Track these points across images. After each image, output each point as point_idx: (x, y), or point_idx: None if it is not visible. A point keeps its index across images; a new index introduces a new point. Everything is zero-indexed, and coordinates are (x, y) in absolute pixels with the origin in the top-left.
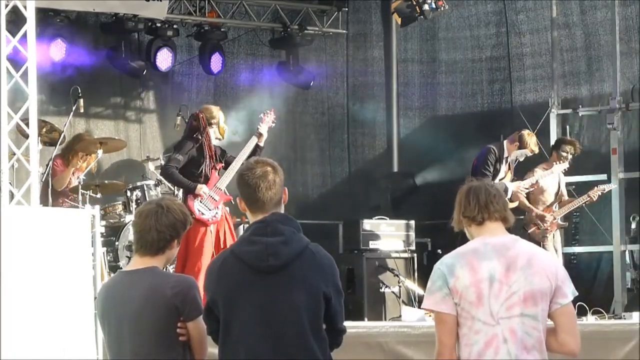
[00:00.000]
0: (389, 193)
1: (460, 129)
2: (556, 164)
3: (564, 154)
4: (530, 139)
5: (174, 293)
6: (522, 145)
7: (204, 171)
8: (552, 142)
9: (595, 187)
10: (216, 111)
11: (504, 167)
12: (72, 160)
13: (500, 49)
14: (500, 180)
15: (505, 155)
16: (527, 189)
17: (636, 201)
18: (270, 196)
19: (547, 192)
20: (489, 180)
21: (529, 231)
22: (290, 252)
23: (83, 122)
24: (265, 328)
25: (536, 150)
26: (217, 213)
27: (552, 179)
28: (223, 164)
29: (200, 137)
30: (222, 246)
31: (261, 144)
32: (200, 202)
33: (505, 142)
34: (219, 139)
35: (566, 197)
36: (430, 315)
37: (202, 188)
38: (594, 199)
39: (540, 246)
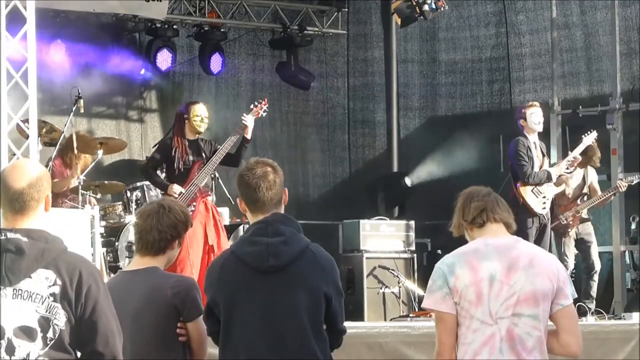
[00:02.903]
0: (385, 195)
1: (459, 129)
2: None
3: (589, 161)
4: (527, 107)
5: (174, 293)
6: (521, 116)
7: (178, 168)
8: (552, 142)
9: (623, 179)
10: (189, 106)
11: (536, 154)
12: (71, 160)
13: (499, 49)
14: (540, 167)
15: (532, 140)
16: (568, 170)
17: (636, 202)
18: (271, 196)
19: (569, 186)
20: (489, 188)
21: (551, 225)
22: (291, 252)
23: (84, 122)
24: (266, 329)
25: (536, 104)
26: (191, 211)
27: (576, 173)
28: (204, 160)
29: (172, 134)
30: (208, 242)
31: (248, 136)
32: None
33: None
34: (198, 133)
35: (599, 193)
36: (430, 315)
37: (172, 187)
38: (622, 190)
39: (561, 240)
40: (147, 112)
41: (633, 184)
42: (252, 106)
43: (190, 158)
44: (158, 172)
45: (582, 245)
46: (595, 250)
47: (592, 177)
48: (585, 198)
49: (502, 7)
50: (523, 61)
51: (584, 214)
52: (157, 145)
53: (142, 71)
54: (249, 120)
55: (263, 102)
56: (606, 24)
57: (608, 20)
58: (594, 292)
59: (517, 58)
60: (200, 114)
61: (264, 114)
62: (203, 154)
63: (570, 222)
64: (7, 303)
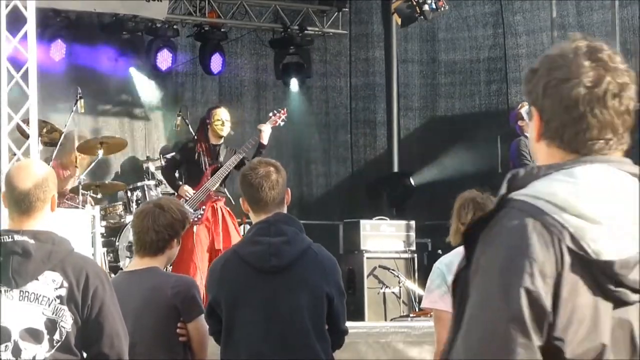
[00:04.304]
0: (388, 194)
1: (458, 129)
2: None
3: None
4: (520, 108)
5: (174, 293)
6: (517, 117)
7: (193, 170)
8: None
9: None
10: (210, 111)
11: None
12: (69, 161)
13: (497, 50)
14: None
15: None
16: None
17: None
18: (273, 196)
19: None
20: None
21: None
22: (293, 252)
23: (86, 122)
24: (268, 328)
25: (525, 103)
26: (200, 214)
27: None
28: (219, 165)
29: (196, 137)
30: (215, 247)
31: (264, 142)
32: (185, 202)
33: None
34: (220, 137)
35: None
36: (430, 315)
37: (183, 187)
38: None
39: None
40: (150, 112)
41: None
42: (270, 114)
43: (207, 162)
44: (176, 172)
45: None
46: None
47: None
48: None
49: (499, 8)
50: (520, 62)
51: None
52: (180, 147)
53: None
54: (264, 127)
55: (282, 112)
56: (603, 25)
57: (605, 22)
58: None
59: (514, 59)
60: (222, 118)
61: (282, 123)
62: (220, 159)
63: None
64: (14, 305)
